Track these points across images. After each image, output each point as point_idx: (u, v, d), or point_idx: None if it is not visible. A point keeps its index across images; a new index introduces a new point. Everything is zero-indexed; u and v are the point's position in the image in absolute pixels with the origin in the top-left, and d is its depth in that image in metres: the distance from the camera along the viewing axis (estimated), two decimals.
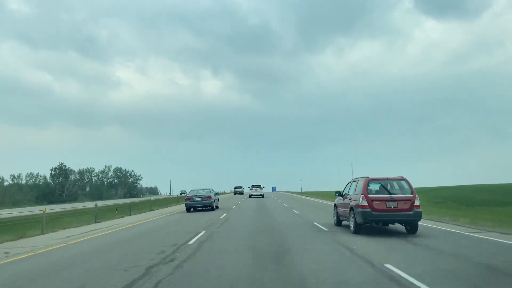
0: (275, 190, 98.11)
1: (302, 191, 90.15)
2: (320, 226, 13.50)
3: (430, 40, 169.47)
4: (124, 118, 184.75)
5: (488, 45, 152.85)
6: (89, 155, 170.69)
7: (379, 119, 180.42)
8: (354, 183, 12.33)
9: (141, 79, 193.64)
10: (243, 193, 59.97)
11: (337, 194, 13.80)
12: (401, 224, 11.50)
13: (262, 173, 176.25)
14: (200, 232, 12.37)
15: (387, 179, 11.55)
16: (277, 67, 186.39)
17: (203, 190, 25.55)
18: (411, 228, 11.19)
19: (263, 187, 50.48)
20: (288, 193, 70.05)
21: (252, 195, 48.45)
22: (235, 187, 62.34)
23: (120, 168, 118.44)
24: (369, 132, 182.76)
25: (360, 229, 11.28)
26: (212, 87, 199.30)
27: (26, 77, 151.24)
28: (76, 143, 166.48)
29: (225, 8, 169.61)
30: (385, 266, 6.60)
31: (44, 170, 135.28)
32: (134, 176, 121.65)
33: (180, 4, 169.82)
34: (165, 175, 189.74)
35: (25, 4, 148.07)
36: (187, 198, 24.56)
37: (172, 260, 7.60)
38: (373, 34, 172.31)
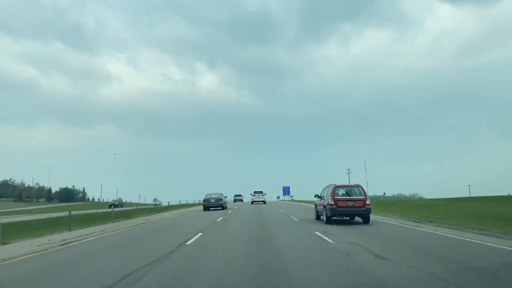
0: (288, 193, 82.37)
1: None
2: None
3: (444, 29, 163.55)
4: (115, 115, 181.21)
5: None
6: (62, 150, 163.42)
7: (384, 115, 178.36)
8: (327, 188, 17.42)
9: (132, 72, 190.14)
10: (242, 201, 65.34)
11: (316, 196, 18.88)
12: (358, 217, 16.59)
13: (264, 176, 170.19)
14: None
15: (348, 185, 16.72)
16: (278, 60, 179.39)
17: (215, 194, 33.75)
18: (365, 219, 16.21)
19: (265, 193, 55.20)
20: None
21: (254, 201, 52.25)
22: (235, 195, 67.28)
23: None
24: (376, 129, 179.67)
25: (330, 221, 16.25)
26: (209, 82, 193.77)
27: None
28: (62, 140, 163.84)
29: None
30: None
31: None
32: None
33: None
34: (150, 181, 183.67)
35: None
36: (204, 200, 32.76)
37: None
38: (381, 22, 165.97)
